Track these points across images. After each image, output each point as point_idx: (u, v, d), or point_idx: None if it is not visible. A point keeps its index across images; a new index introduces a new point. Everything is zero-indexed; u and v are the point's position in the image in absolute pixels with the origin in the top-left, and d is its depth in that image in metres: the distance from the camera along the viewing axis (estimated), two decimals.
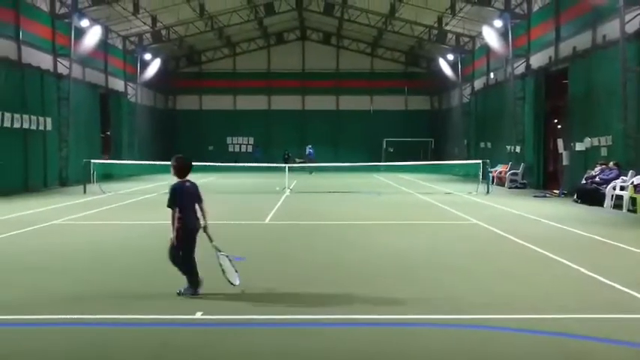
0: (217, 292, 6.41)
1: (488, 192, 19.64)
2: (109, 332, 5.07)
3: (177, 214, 6.04)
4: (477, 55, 31.57)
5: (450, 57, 33.36)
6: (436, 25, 30.72)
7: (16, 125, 19.86)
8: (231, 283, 6.26)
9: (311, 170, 32.62)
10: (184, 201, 6.13)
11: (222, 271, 6.28)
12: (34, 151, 21.43)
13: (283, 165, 24.71)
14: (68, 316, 5.42)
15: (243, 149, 41.98)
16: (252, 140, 42.09)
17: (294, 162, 33.79)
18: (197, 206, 6.24)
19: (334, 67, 42.05)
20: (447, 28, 30.70)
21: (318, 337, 4.96)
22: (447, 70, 34.38)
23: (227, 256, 6.41)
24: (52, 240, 10.03)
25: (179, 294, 6.15)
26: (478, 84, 31.30)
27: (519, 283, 6.89)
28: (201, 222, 6.25)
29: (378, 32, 36.13)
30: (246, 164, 29.12)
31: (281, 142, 39.88)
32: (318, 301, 6.04)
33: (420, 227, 11.85)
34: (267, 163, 30.81)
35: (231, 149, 41.77)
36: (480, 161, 21.59)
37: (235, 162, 32.19)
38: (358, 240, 10.11)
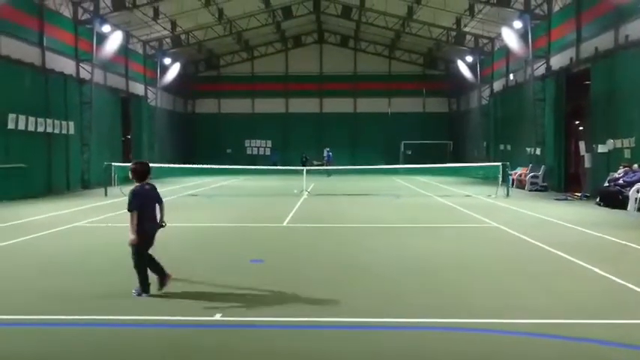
0: (236, 293, 6.47)
1: (508, 195, 19.41)
2: (128, 333, 5.15)
3: (136, 217, 6.21)
4: (496, 57, 31.27)
5: (469, 59, 33.11)
6: (454, 26, 30.54)
7: (40, 129, 20.29)
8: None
9: (329, 173, 32.64)
10: (145, 204, 6.33)
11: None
12: (58, 154, 21.87)
13: (301, 168, 24.78)
14: (88, 317, 5.53)
15: (261, 152, 42.20)
16: (270, 143, 42.29)
17: (312, 165, 33.85)
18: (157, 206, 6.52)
19: (352, 69, 42.06)
20: (466, 29, 30.49)
21: (337, 340, 4.96)
22: (465, 71, 34.13)
23: None
24: (74, 242, 10.22)
25: (136, 294, 6.29)
26: (497, 85, 30.99)
27: (541, 287, 6.80)
28: (159, 220, 6.55)
29: (395, 34, 36.04)
30: (264, 167, 29.21)
31: (299, 145, 39.98)
32: (337, 304, 6.04)
33: (440, 230, 11.77)
34: (285, 166, 30.97)
35: (249, 152, 42.03)
36: (500, 164, 21.32)
37: (253, 165, 32.32)
38: (377, 243, 10.09)
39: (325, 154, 36.73)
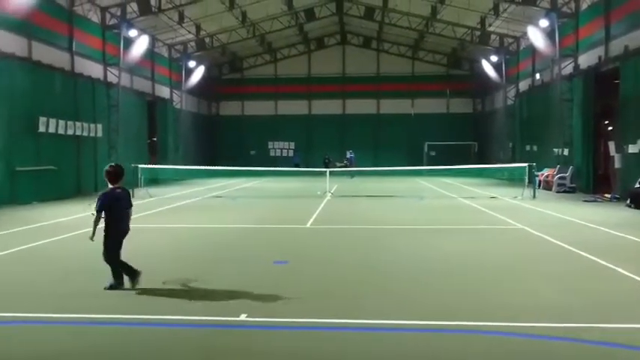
0: (261, 294, 6.52)
1: (534, 196, 19.09)
2: (154, 332, 5.23)
3: (105, 218, 6.56)
4: (521, 56, 30.80)
5: (494, 58, 32.69)
6: (479, 26, 30.18)
7: (70, 132, 20.79)
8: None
9: (352, 174, 32.61)
10: (114, 206, 6.60)
11: None
12: (86, 156, 22.38)
13: (324, 169, 24.81)
14: (114, 316, 5.65)
15: (284, 154, 42.40)
16: (292, 145, 42.46)
17: (335, 166, 33.84)
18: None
19: (375, 70, 41.94)
20: (491, 29, 30.11)
21: (362, 342, 4.96)
22: (490, 71, 33.69)
23: None
24: (100, 242, 10.40)
25: (106, 288, 6.57)
26: (523, 85, 30.50)
27: (568, 290, 6.67)
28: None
29: (419, 35, 35.81)
30: (286, 169, 29.34)
31: (321, 147, 40.03)
32: (362, 305, 6.03)
33: (464, 232, 11.65)
34: (308, 167, 31.02)
35: (272, 154, 42.28)
36: (526, 164, 20.98)
37: (276, 167, 32.49)
38: (401, 244, 10.04)
39: (348, 155, 36.71)
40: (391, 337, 5.08)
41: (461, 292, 6.61)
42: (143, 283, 7.05)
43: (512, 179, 26.40)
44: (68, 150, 21.03)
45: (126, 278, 6.73)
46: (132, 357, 4.65)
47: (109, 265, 6.66)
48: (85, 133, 22.01)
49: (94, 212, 6.58)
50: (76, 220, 13.60)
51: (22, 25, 18.57)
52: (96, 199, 6.63)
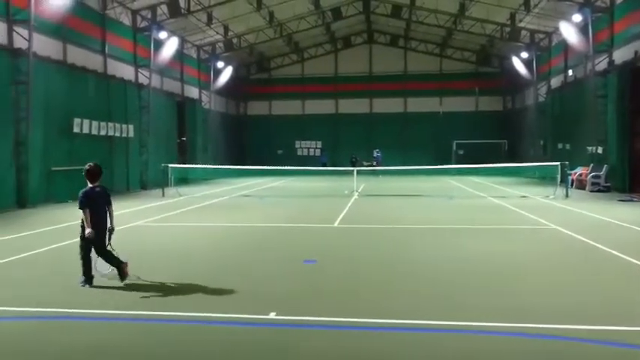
0: (290, 293, 6.57)
1: (567, 196, 18.64)
2: (183, 329, 5.32)
3: (88, 213, 6.78)
4: (553, 52, 30.11)
5: (524, 55, 32.06)
6: (509, 22, 29.63)
7: (103, 132, 21.31)
8: (100, 272, 6.98)
9: (378, 173, 32.48)
10: (94, 204, 6.86)
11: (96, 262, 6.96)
12: (118, 156, 22.91)
13: (351, 168, 24.77)
14: (145, 312, 5.76)
15: (312, 153, 42.51)
16: (320, 144, 42.53)
17: (362, 165, 33.75)
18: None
19: (402, 69, 41.64)
20: (521, 24, 29.52)
21: (393, 342, 4.94)
22: (520, 68, 33.05)
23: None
24: (133, 240, 10.66)
25: (81, 284, 6.81)
26: (555, 82, 29.82)
27: (602, 292, 6.50)
28: (109, 224, 7.00)
29: (447, 32, 35.38)
30: (313, 168, 29.40)
31: (348, 146, 39.98)
32: (392, 305, 6.01)
33: (495, 232, 11.46)
34: (335, 166, 31.03)
35: (299, 153, 42.44)
36: (558, 163, 20.50)
37: (303, 166, 32.59)
38: (430, 244, 9.96)
39: (375, 154, 36.59)
40: (422, 338, 5.05)
41: (493, 293, 6.51)
42: (174, 279, 7.18)
43: (544, 178, 25.85)
44: (101, 150, 21.54)
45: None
46: (161, 353, 4.74)
47: (82, 261, 6.89)
48: (118, 134, 22.52)
49: (82, 209, 6.86)
50: (116, 217, 13.92)
51: (57, 29, 19.14)
52: (79, 198, 6.91)
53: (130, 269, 7.04)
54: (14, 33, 16.82)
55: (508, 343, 4.87)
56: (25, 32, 16.76)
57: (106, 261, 6.94)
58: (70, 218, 13.83)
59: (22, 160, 16.90)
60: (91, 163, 7.19)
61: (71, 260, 8.49)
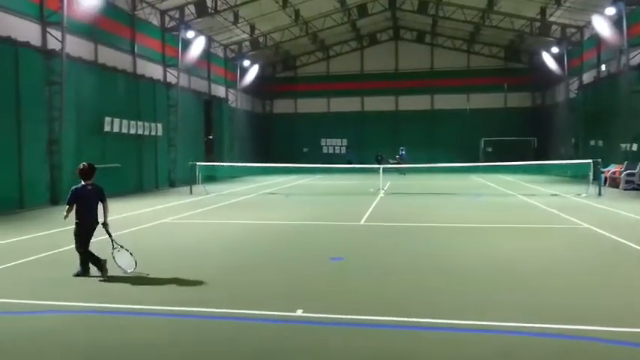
0: (317, 290, 6.57)
1: (599, 194, 18.16)
2: (210, 325, 5.37)
3: (76, 212, 7.14)
4: (585, 47, 29.33)
5: (555, 50, 31.32)
6: (539, 16, 28.98)
7: (132, 131, 21.71)
8: (124, 270, 7.28)
9: (404, 171, 32.26)
10: (82, 201, 7.19)
11: (114, 258, 7.30)
12: (147, 154, 23.32)
13: (377, 166, 24.65)
14: (174, 308, 5.83)
15: (337, 151, 42.47)
16: (345, 142, 42.46)
17: (388, 163, 33.54)
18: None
19: (428, 65, 41.20)
20: (552, 19, 28.84)
21: (422, 341, 4.89)
22: (551, 64, 32.30)
23: (122, 249, 7.42)
24: (161, 237, 10.84)
25: (74, 275, 7.20)
26: (587, 77, 29.05)
27: (636, 294, 6.31)
28: (100, 219, 7.28)
29: (474, 28, 34.84)
30: (339, 166, 29.36)
31: (374, 144, 39.79)
32: (420, 304, 5.96)
33: (525, 231, 11.24)
34: (361, 164, 30.92)
35: (325, 151, 42.45)
36: (590, 160, 19.98)
37: (329, 164, 32.59)
38: (458, 243, 9.82)
39: (400, 152, 36.33)
40: (452, 337, 4.98)
41: (525, 293, 6.37)
42: (202, 275, 7.27)
43: (575, 176, 25.28)
44: (131, 148, 21.98)
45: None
46: (190, 349, 4.80)
47: (78, 253, 7.25)
48: (147, 132, 22.92)
49: (69, 205, 7.26)
50: (140, 215, 14.22)
51: (89, 30, 19.58)
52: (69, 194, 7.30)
53: (158, 265, 7.15)
54: (48, 35, 17.28)
55: (540, 344, 4.77)
56: (58, 34, 17.20)
57: (82, 258, 7.22)
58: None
59: (55, 159, 17.35)
60: (84, 163, 7.53)
61: (102, 255, 8.69)
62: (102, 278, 7.08)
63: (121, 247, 7.42)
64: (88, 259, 7.24)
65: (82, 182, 7.31)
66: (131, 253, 7.40)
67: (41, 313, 5.80)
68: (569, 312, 5.58)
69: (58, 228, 11.87)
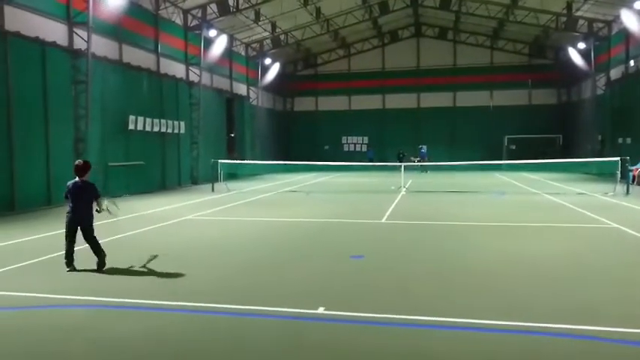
0: (338, 288, 6.55)
1: (627, 192, 17.72)
2: (233, 322, 5.41)
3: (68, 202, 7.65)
4: (613, 42, 28.63)
5: (581, 45, 30.64)
6: (565, 11, 28.39)
7: (155, 129, 21.99)
8: (110, 212, 8.00)
9: (425, 169, 32.03)
10: (72, 195, 7.61)
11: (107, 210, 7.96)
12: (170, 152, 23.60)
13: (399, 164, 24.50)
14: (196, 304, 5.89)
15: (358, 148, 42.35)
16: (366, 140, 42.30)
17: (410, 161, 33.34)
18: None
19: (451, 62, 40.74)
20: (578, 13, 28.24)
21: (443, 340, 4.84)
22: (577, 59, 31.63)
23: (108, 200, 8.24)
24: (183, 233, 10.96)
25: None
26: (615, 73, 28.37)
27: None
28: (95, 210, 7.79)
29: (498, 23, 34.31)
30: (360, 163, 29.27)
31: (395, 141, 39.56)
32: (441, 303, 5.90)
33: (551, 230, 11.03)
34: (382, 162, 30.78)
35: (346, 149, 42.38)
36: (618, 158, 19.50)
37: (350, 161, 32.54)
38: (481, 241, 9.70)
39: (420, 150, 36.05)
40: (479, 337, 4.92)
41: (553, 293, 6.26)
42: (223, 272, 7.32)
43: (602, 174, 24.72)
44: (154, 146, 22.26)
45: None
46: (211, 345, 4.84)
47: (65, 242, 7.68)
48: (170, 130, 23.18)
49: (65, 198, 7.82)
50: (163, 212, 14.40)
51: (113, 30, 19.88)
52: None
53: (182, 261, 7.21)
54: (74, 35, 17.61)
55: (566, 344, 4.68)
56: (84, 34, 17.50)
57: (69, 245, 7.65)
58: (126, 212, 14.39)
59: (82, 156, 17.68)
60: (80, 160, 8.12)
61: (128, 251, 8.83)
62: (97, 270, 7.50)
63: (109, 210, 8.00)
64: (69, 250, 7.63)
65: (77, 178, 7.71)
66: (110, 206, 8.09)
67: (67, 307, 5.92)
68: (597, 313, 5.46)
69: None
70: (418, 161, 33.56)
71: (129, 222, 12.47)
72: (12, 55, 14.90)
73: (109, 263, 7.74)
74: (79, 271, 7.51)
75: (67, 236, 7.65)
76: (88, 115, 17.62)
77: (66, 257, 7.61)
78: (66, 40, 17.41)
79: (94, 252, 7.64)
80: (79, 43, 17.61)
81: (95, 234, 7.74)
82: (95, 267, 7.55)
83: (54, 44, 16.64)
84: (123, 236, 10.49)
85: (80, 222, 7.62)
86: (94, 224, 7.76)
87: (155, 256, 8.48)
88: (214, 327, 5.27)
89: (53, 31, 16.85)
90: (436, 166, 30.22)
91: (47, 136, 16.29)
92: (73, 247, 7.63)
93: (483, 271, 7.41)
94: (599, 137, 30.01)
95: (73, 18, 17.62)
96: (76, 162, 7.97)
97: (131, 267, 7.84)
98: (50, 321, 5.48)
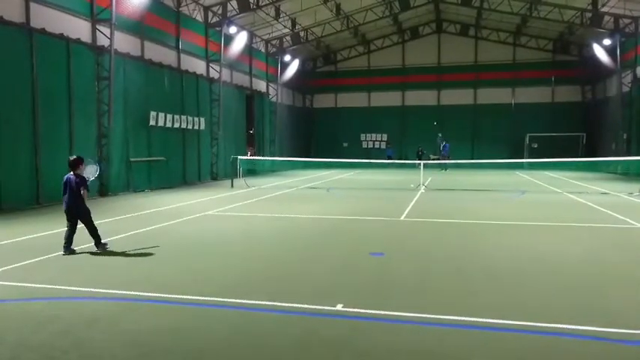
0: (357, 285, 6.55)
1: None
2: (254, 317, 5.43)
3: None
4: None
5: (607, 42, 29.97)
6: (590, 7, 27.80)
7: (176, 125, 22.22)
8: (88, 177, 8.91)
9: (445, 166, 31.77)
10: (65, 187, 8.54)
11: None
12: (191, 148, 23.83)
13: (418, 161, 24.35)
14: (214, 299, 5.96)
15: (377, 146, 42.19)
16: (385, 137, 42.11)
17: (429, 158, 33.11)
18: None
19: (472, 59, 40.28)
20: (604, 9, 27.61)
21: (463, 339, 4.80)
22: (602, 56, 30.97)
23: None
24: (205, 229, 11.06)
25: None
26: None
27: None
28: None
29: (521, 20, 33.76)
30: (379, 161, 29.18)
31: (415, 139, 39.29)
32: (462, 302, 5.85)
33: (573, 230, 10.85)
34: (401, 159, 30.61)
35: (365, 146, 42.26)
36: None
37: (369, 159, 32.45)
38: (501, 241, 9.59)
39: (440, 147, 35.72)
40: (493, 336, 4.87)
41: (576, 294, 6.15)
42: (243, 268, 7.37)
43: (627, 173, 24.22)
44: (175, 142, 22.49)
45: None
46: (228, 340, 4.88)
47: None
48: (190, 126, 23.40)
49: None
50: (184, 207, 14.56)
51: (136, 27, 20.12)
52: None
53: (201, 256, 7.26)
54: (97, 32, 17.87)
55: (592, 346, 4.60)
56: (107, 30, 17.76)
57: (69, 232, 8.49)
58: (148, 206, 14.58)
59: (104, 152, 17.98)
60: (74, 155, 8.98)
61: (150, 245, 8.95)
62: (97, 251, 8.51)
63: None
64: (67, 235, 8.46)
65: (71, 172, 8.58)
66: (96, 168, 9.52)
67: (92, 299, 6.03)
68: (617, 314, 5.35)
69: (107, 218, 12.31)
70: (437, 158, 33.29)
71: (150, 216, 12.64)
72: (37, 52, 15.20)
73: (134, 257, 7.85)
74: (77, 253, 8.41)
75: (68, 220, 8.58)
76: (110, 110, 17.89)
77: (64, 241, 8.44)
78: (89, 36, 17.68)
79: (90, 234, 8.64)
80: (102, 40, 17.87)
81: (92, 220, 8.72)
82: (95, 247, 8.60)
83: (78, 41, 16.92)
84: (144, 230, 10.64)
85: (73, 211, 8.52)
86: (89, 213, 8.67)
87: (174, 250, 8.57)
88: (231, 322, 5.31)
89: (77, 28, 17.13)
90: (457, 164, 29.92)
91: (71, 131, 16.59)
92: (71, 232, 8.48)
93: (503, 269, 7.33)
94: (625, 135, 29.37)
95: (97, 15, 17.88)
96: (70, 158, 8.79)
97: (152, 261, 7.95)
98: (78, 312, 5.59)
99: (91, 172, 9.25)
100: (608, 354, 4.47)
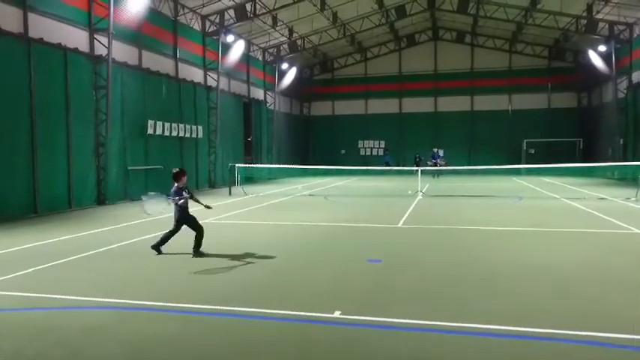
0: (355, 292, 6.55)
1: None
2: (253, 324, 5.44)
3: None
4: (635, 45, 28.15)
5: (602, 48, 30.19)
6: (585, 14, 28.02)
7: (174, 133, 22.25)
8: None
9: (436, 174, 31.89)
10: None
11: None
12: (188, 156, 23.85)
13: (415, 168, 24.39)
14: (215, 307, 5.96)
15: (374, 153, 42.28)
16: (383, 144, 42.21)
17: (427, 165, 33.19)
18: None
19: (468, 66, 40.49)
20: (599, 16, 27.82)
21: (460, 346, 4.81)
22: (597, 63, 31.18)
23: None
24: (204, 237, 11.02)
25: None
26: (637, 76, 27.88)
27: None
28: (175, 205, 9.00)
29: (517, 27, 33.98)
30: (377, 168, 29.24)
31: (413, 145, 39.39)
32: (459, 308, 5.86)
33: (569, 235, 10.88)
34: (398, 166, 30.67)
35: (362, 153, 42.35)
36: None
37: (366, 166, 32.49)
38: (499, 247, 9.61)
39: (439, 154, 35.85)
40: (491, 344, 4.88)
41: (573, 299, 6.17)
42: (241, 276, 7.36)
43: (624, 179, 24.30)
44: (172, 150, 22.52)
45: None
46: (225, 348, 4.88)
47: None
48: (188, 135, 23.43)
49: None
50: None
51: (133, 36, 20.20)
52: None
53: (200, 265, 7.27)
54: (95, 41, 17.94)
55: (592, 352, 4.61)
56: (105, 40, 17.82)
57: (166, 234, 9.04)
58: (145, 214, 14.55)
59: (102, 160, 17.98)
60: (176, 168, 9.41)
61: (147, 254, 8.94)
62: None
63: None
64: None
65: (175, 184, 8.95)
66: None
67: (93, 308, 6.02)
68: (616, 319, 5.36)
69: (105, 227, 12.29)
70: (434, 164, 33.38)
71: (148, 225, 12.62)
72: (35, 61, 15.25)
73: (132, 267, 7.83)
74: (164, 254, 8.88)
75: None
76: (108, 119, 17.92)
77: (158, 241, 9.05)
78: (87, 46, 17.75)
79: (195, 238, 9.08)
80: (100, 49, 17.93)
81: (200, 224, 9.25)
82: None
83: (76, 50, 16.98)
84: (141, 239, 10.63)
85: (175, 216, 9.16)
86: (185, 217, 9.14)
87: (171, 258, 8.56)
88: (228, 329, 5.31)
89: (75, 37, 17.19)
90: (454, 171, 29.98)
91: (69, 140, 16.60)
92: (168, 234, 9.08)
93: (502, 275, 7.34)
94: (621, 141, 29.50)
95: (95, 25, 17.96)
96: (173, 170, 9.35)
97: (150, 269, 7.94)
98: (73, 322, 5.58)
99: (157, 208, 9.17)
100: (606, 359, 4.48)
